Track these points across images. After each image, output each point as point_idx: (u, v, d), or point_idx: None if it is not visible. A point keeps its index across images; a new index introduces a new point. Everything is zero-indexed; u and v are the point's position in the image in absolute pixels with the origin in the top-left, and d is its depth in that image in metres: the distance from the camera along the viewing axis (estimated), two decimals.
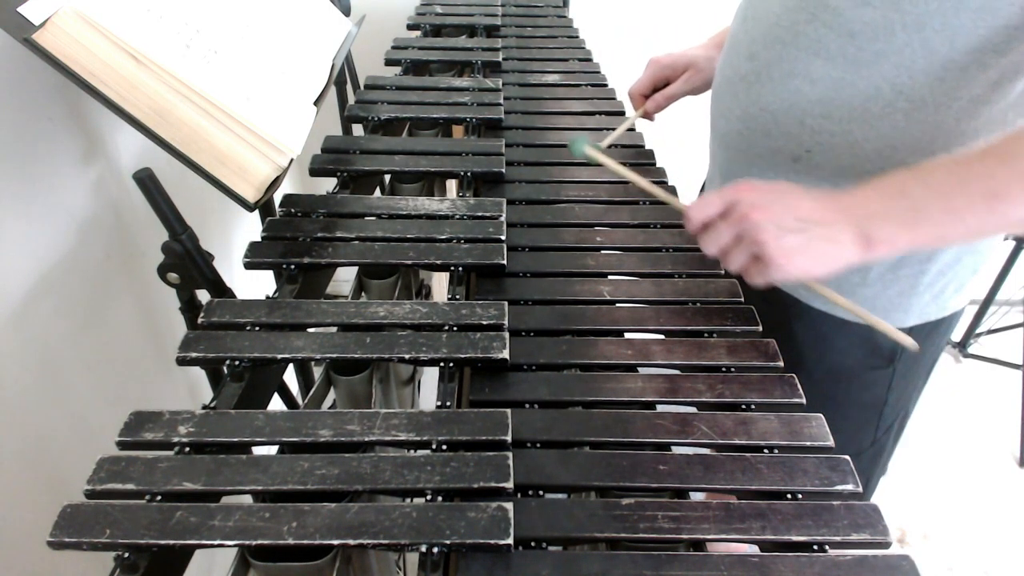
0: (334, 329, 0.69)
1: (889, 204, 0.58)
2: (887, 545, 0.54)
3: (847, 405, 0.82)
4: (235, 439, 0.58)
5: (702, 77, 0.95)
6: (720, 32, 0.98)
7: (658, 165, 0.99)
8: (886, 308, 0.77)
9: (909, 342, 0.63)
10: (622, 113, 1.12)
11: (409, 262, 0.77)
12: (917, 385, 0.87)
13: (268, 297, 0.73)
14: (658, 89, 0.98)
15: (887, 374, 0.81)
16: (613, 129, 1.06)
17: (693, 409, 0.64)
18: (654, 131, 1.12)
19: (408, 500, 0.55)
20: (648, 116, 1.01)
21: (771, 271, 0.59)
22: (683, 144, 1.53)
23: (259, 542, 0.50)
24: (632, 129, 1.02)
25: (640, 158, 1.01)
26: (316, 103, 0.92)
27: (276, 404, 0.81)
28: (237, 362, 0.65)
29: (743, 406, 0.64)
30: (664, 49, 1.02)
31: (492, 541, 0.50)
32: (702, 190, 0.99)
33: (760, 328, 0.72)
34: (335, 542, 0.50)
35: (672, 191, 0.94)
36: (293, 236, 0.80)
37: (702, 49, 0.97)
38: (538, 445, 0.60)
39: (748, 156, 0.78)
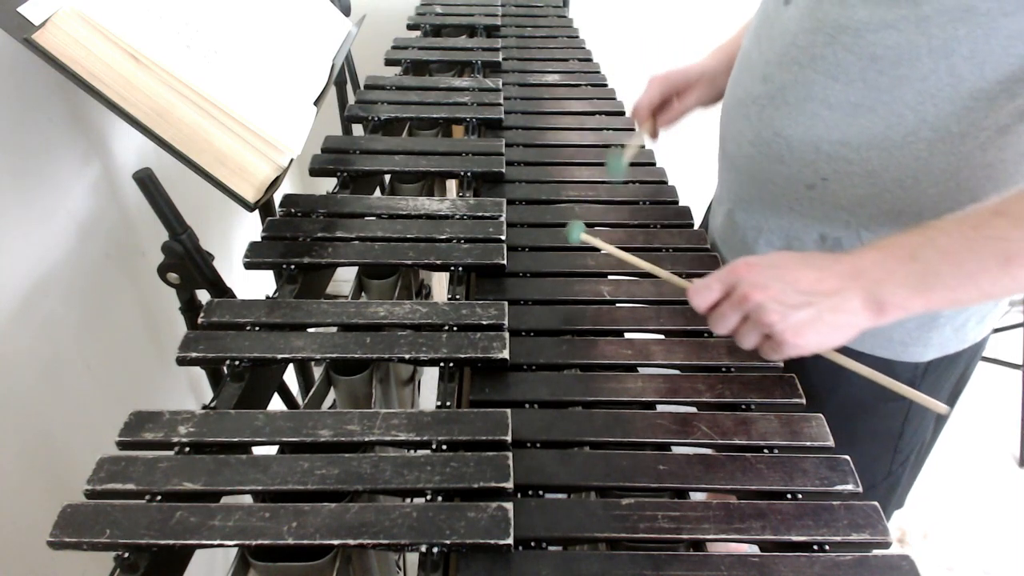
0: (334, 329, 0.69)
1: (899, 268, 0.55)
2: (887, 545, 0.54)
3: (860, 437, 0.79)
4: (235, 439, 0.58)
5: (713, 90, 0.90)
6: (724, 45, 0.93)
7: (657, 166, 0.99)
8: (904, 342, 0.74)
9: (940, 408, 0.60)
10: (622, 113, 1.12)
11: (409, 262, 0.77)
12: (936, 417, 0.84)
13: (268, 297, 0.73)
14: (667, 103, 0.92)
15: (903, 406, 0.78)
16: (613, 130, 1.07)
17: (693, 409, 0.64)
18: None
19: (408, 500, 0.55)
20: (654, 134, 0.94)
21: (784, 349, 0.57)
22: (685, 151, 1.52)
23: (259, 542, 0.50)
24: (642, 146, 0.94)
25: (640, 158, 1.01)
26: (316, 103, 0.92)
27: (276, 404, 0.81)
28: (237, 362, 0.65)
29: (743, 406, 0.64)
30: (663, 50, 1.01)
31: (492, 541, 0.50)
32: (708, 210, 0.96)
33: None
34: (335, 542, 0.50)
35: (672, 191, 0.94)
36: (293, 236, 0.80)
37: (711, 60, 0.91)
38: (538, 445, 0.60)
39: (760, 182, 0.75)
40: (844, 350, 0.74)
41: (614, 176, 0.85)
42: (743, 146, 0.76)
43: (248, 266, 0.77)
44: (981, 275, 0.54)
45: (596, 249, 0.72)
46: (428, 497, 0.54)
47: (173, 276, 0.77)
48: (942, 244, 0.55)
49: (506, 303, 0.71)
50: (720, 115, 0.83)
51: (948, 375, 0.79)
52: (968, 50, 0.58)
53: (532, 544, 0.53)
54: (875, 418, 0.79)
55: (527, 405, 0.64)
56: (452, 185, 1.16)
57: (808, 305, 0.56)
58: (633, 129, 1.06)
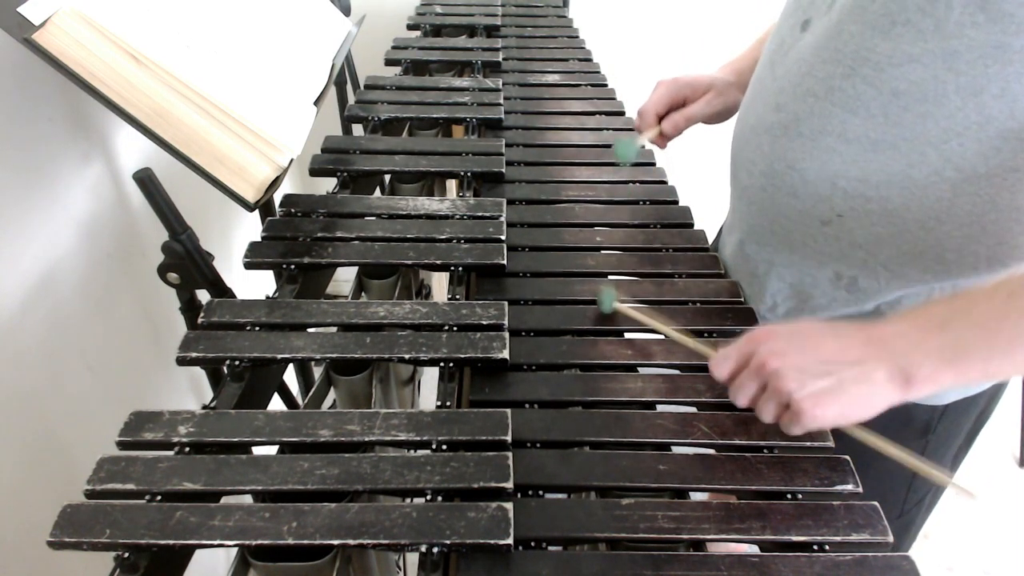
0: (334, 329, 0.69)
1: (928, 339, 0.53)
2: (887, 545, 0.53)
3: (873, 478, 0.73)
4: (235, 439, 0.58)
5: (723, 101, 0.86)
6: (735, 59, 0.89)
7: (658, 166, 0.99)
8: None
9: (968, 493, 0.57)
10: (622, 113, 1.12)
11: (409, 262, 0.77)
12: (953, 456, 0.81)
13: (268, 297, 0.73)
14: (675, 109, 0.88)
15: (918, 447, 0.75)
16: (613, 130, 1.07)
17: (693, 409, 0.64)
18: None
19: (408, 500, 0.55)
20: (661, 141, 0.89)
21: (803, 420, 0.54)
22: (696, 171, 1.52)
23: (259, 542, 0.50)
24: (643, 146, 0.88)
25: (640, 158, 1.00)
26: (316, 103, 0.92)
27: (276, 404, 0.81)
28: (237, 362, 0.65)
29: None
30: (663, 50, 1.00)
31: (492, 541, 0.50)
32: (719, 234, 0.93)
33: None
34: (335, 542, 0.50)
35: (672, 191, 0.94)
36: (293, 236, 0.80)
37: (721, 73, 0.88)
38: (538, 445, 0.60)
39: (771, 215, 0.73)
40: None
41: (623, 160, 0.82)
42: (755, 176, 0.73)
43: (248, 266, 0.77)
44: (1017, 347, 0.51)
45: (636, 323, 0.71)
46: (428, 497, 0.54)
47: (173, 276, 0.77)
48: (974, 314, 0.52)
49: (506, 303, 0.71)
50: (731, 141, 0.80)
51: (967, 416, 0.76)
52: (999, 88, 0.55)
53: (532, 544, 0.53)
54: (888, 459, 0.77)
55: (527, 405, 0.64)
56: (452, 185, 1.16)
57: (828, 375, 0.53)
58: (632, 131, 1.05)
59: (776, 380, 0.54)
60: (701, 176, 0.92)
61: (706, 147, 0.93)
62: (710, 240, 0.86)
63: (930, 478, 0.57)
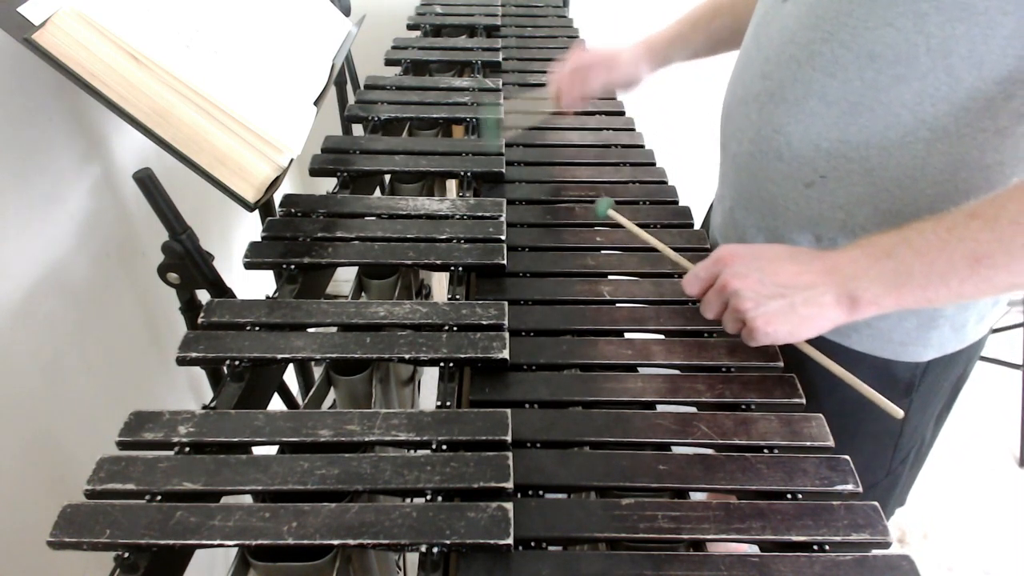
0: (334, 329, 0.69)
1: (874, 265, 0.58)
2: (887, 545, 0.54)
3: (859, 437, 0.79)
4: (235, 439, 0.58)
5: (621, 73, 0.94)
6: (652, 36, 0.97)
7: (658, 166, 1.00)
8: (903, 342, 0.74)
9: (894, 409, 0.62)
10: (622, 113, 1.12)
11: (409, 262, 0.77)
12: (936, 415, 0.84)
13: (268, 297, 0.73)
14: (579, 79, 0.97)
15: (903, 405, 0.77)
16: (613, 130, 1.07)
17: (693, 409, 0.64)
18: (655, 134, 1.12)
19: (408, 500, 0.55)
20: (559, 103, 0.97)
21: (757, 336, 0.61)
22: (685, 150, 1.52)
23: (259, 542, 0.50)
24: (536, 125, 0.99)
25: (640, 158, 1.01)
26: (316, 103, 0.92)
27: (276, 404, 0.81)
28: (237, 362, 0.65)
29: (743, 406, 0.64)
30: None
31: (492, 541, 0.50)
32: (710, 209, 0.96)
33: None
34: (335, 542, 0.50)
35: (672, 191, 0.94)
36: (293, 236, 0.80)
37: (629, 48, 0.96)
38: (538, 445, 0.60)
39: (759, 179, 0.76)
40: (843, 350, 0.75)
41: (489, 140, 0.88)
42: (743, 144, 0.76)
43: (248, 266, 0.77)
44: (950, 275, 0.55)
45: (619, 225, 0.78)
46: (428, 497, 0.54)
47: (173, 276, 0.77)
48: (916, 243, 0.57)
49: (506, 303, 0.71)
50: (721, 114, 0.83)
51: (947, 374, 0.79)
52: (966, 50, 0.58)
53: (532, 544, 0.53)
54: (874, 418, 0.78)
55: (527, 405, 0.64)
56: (452, 185, 1.16)
57: (781, 296, 0.60)
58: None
59: (736, 300, 0.61)
60: (689, 157, 0.94)
61: (699, 132, 0.96)
62: (700, 218, 0.87)
63: (863, 392, 0.62)
